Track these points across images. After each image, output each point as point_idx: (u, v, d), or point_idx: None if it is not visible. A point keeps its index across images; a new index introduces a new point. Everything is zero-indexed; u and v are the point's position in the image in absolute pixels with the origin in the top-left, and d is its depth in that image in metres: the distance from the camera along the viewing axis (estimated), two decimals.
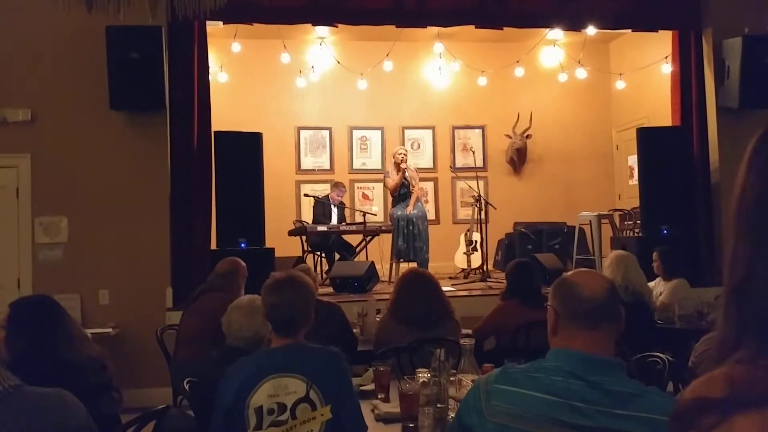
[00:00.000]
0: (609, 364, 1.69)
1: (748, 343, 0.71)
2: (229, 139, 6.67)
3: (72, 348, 2.69)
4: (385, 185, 8.61)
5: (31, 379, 1.84)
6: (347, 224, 8.31)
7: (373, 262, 7.47)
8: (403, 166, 8.04)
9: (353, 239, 8.33)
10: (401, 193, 8.10)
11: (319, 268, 8.12)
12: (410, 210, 7.98)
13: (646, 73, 9.11)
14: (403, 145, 10.13)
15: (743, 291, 0.74)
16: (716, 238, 7.03)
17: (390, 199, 8.89)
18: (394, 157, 8.25)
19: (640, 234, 7.54)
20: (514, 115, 10.20)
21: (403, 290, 4.02)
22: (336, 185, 8.70)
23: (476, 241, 8.47)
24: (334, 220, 8.39)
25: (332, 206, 8.49)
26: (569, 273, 1.90)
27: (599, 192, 10.13)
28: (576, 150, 10.35)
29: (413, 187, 8.12)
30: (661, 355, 3.48)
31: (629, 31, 8.31)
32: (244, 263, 4.69)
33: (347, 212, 8.89)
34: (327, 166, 10.07)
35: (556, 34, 8.94)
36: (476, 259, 8.43)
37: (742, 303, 0.74)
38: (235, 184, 6.52)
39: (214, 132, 6.62)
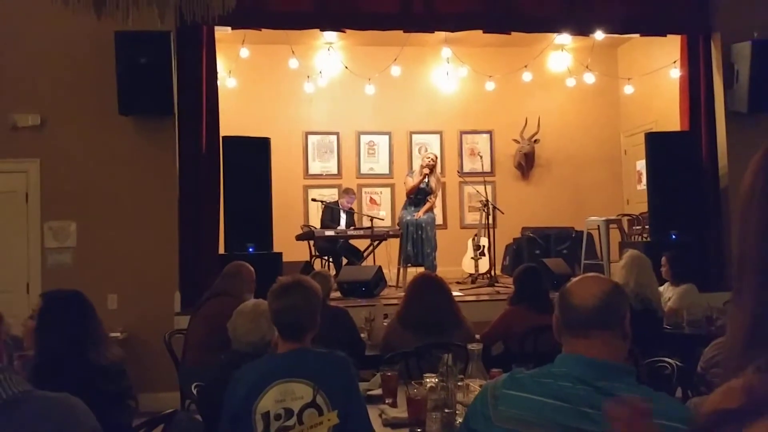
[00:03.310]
0: (617, 370, 1.68)
1: (764, 350, 0.71)
2: (238, 144, 6.69)
3: (99, 350, 2.66)
4: (404, 183, 8.56)
5: (55, 377, 1.83)
6: (355, 229, 8.31)
7: (380, 266, 7.46)
8: (425, 171, 8.03)
9: (361, 244, 8.33)
10: (417, 198, 8.08)
11: None
12: (419, 215, 7.97)
13: (654, 77, 9.08)
14: (411, 149, 10.16)
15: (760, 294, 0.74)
16: (725, 243, 6.99)
17: (399, 203, 8.89)
18: (422, 160, 8.27)
19: (649, 239, 7.51)
20: (521, 120, 10.19)
21: (413, 294, 4.01)
22: (346, 192, 8.70)
23: (484, 246, 8.45)
24: (343, 225, 8.39)
25: (341, 212, 8.48)
26: (573, 279, 1.89)
27: (607, 197, 10.10)
28: (584, 155, 10.32)
29: (432, 196, 8.10)
30: (669, 360, 3.46)
31: (637, 35, 8.29)
32: (250, 267, 4.69)
33: (355, 217, 8.89)
34: (335, 171, 10.09)
35: (564, 39, 8.94)
36: (484, 264, 8.42)
37: (759, 306, 0.74)
38: (243, 188, 6.54)
39: (223, 137, 6.65)
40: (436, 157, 8.34)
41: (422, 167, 8.08)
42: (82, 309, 2.70)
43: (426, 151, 9.79)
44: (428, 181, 8.04)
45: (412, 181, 8.07)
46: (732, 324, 0.78)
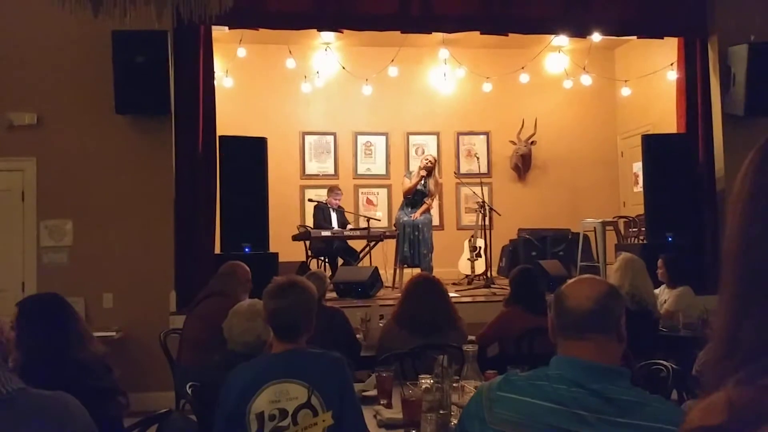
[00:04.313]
0: (612, 372, 1.68)
1: (747, 361, 0.68)
2: (234, 143, 6.68)
3: (81, 347, 2.65)
4: (402, 184, 8.54)
5: (41, 378, 1.83)
6: (351, 229, 8.30)
7: (376, 267, 7.46)
8: (422, 173, 8.01)
9: (357, 244, 8.32)
10: (414, 199, 8.07)
11: None
12: (416, 216, 7.95)
13: (651, 80, 9.10)
14: (408, 150, 10.17)
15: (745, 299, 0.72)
16: (721, 246, 6.98)
17: (395, 204, 8.88)
18: (420, 161, 8.28)
19: (645, 241, 7.52)
20: (518, 122, 10.20)
21: (410, 295, 4.01)
22: (332, 190, 8.70)
23: (480, 248, 8.45)
24: (335, 224, 8.38)
25: (331, 210, 8.48)
26: (568, 281, 1.89)
27: (604, 199, 10.11)
28: (581, 157, 10.33)
29: (429, 198, 8.09)
30: (665, 362, 3.46)
31: (635, 37, 8.30)
32: (245, 266, 4.68)
33: (351, 217, 8.87)
34: (331, 171, 10.09)
35: (561, 40, 8.94)
36: (480, 266, 8.41)
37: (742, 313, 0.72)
38: (240, 188, 6.53)
39: (219, 136, 6.64)
40: (435, 159, 8.33)
41: (420, 168, 8.07)
42: (60, 309, 2.68)
43: (423, 152, 9.80)
44: (426, 182, 8.03)
45: (410, 182, 8.06)
46: (713, 331, 0.76)
